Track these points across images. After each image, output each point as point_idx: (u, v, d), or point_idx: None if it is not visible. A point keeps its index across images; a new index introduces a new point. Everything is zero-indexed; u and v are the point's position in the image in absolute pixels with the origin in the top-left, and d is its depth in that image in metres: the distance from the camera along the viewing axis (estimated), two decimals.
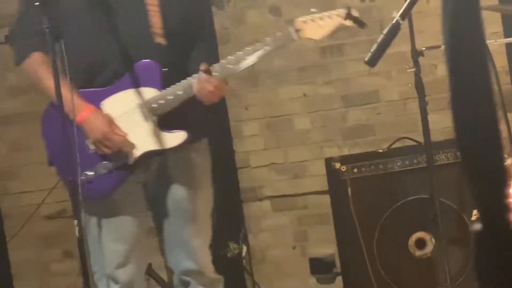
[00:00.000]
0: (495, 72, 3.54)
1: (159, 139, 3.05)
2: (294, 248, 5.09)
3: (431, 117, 3.86)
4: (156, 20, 3.07)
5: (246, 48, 3.03)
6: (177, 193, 3.17)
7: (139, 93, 3.04)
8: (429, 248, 4.13)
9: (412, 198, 4.13)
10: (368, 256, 4.15)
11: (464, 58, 1.38)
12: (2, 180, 5.30)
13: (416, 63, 3.85)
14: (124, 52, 3.03)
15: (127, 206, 3.13)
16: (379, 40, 2.04)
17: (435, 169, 3.88)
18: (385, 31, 2.03)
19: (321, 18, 2.99)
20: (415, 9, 2.36)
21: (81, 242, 2.81)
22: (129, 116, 3.05)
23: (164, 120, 3.05)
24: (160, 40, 3.07)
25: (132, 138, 3.05)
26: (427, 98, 3.85)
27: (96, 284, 3.09)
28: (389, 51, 2.39)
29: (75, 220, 2.80)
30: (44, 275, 5.34)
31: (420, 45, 3.88)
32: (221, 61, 3.03)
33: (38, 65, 3.09)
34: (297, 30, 3.02)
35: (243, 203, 5.12)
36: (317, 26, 3.00)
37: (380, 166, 4.19)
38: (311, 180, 5.00)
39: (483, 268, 1.40)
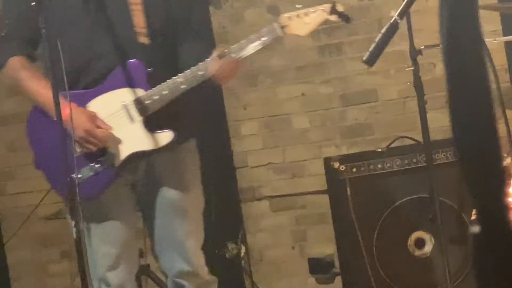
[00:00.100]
0: (494, 70, 3.52)
1: (146, 140, 3.03)
2: (293, 248, 5.08)
3: (430, 116, 3.85)
4: (139, 19, 3.05)
5: (232, 46, 3.00)
6: (166, 194, 3.15)
7: (125, 94, 3.02)
8: (429, 247, 4.12)
9: (411, 197, 4.12)
10: (367, 256, 4.14)
11: (462, 57, 1.38)
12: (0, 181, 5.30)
13: (414, 62, 3.84)
14: (108, 52, 3.02)
15: (116, 209, 3.11)
16: (377, 39, 2.02)
17: (435, 168, 3.86)
18: (383, 30, 2.01)
19: (306, 14, 2.98)
20: (413, 8, 2.35)
21: (79, 243, 2.79)
22: (115, 117, 3.03)
23: (151, 121, 3.03)
24: (144, 39, 3.06)
25: (118, 139, 3.03)
26: (426, 97, 3.84)
27: None
28: (388, 49, 2.38)
29: (73, 221, 2.78)
30: (41, 276, 5.33)
31: (418, 44, 3.86)
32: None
33: (17, 69, 3.08)
34: (282, 26, 3.00)
35: (242, 203, 5.11)
36: (302, 22, 2.98)
37: (379, 166, 4.18)
38: (309, 179, 4.98)
39: (482, 267, 1.40)
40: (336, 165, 4.21)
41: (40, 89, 3.04)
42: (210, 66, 2.99)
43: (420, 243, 4.14)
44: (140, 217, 3.26)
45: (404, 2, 2.00)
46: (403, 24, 2.14)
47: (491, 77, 1.46)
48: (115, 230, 3.11)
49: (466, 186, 1.39)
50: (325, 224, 4.75)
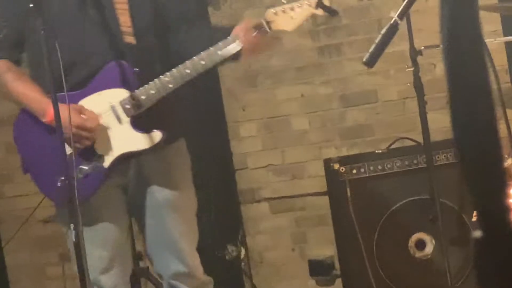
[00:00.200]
0: (494, 71, 3.51)
1: (134, 141, 3.02)
2: (293, 250, 5.07)
3: (430, 117, 3.84)
4: (125, 19, 3.04)
5: (218, 43, 2.98)
6: (157, 195, 3.13)
7: (111, 95, 3.01)
8: (429, 249, 4.12)
9: (411, 199, 4.12)
10: (367, 258, 4.13)
11: (462, 58, 1.37)
12: None
13: (414, 62, 3.83)
14: (94, 54, 3.00)
15: (108, 212, 3.10)
16: (377, 40, 2.00)
17: (435, 169, 3.87)
18: (383, 31, 1.99)
19: (292, 9, 2.95)
20: (413, 8, 2.33)
21: (78, 246, 2.77)
22: (102, 119, 3.01)
23: (139, 121, 3.01)
24: (130, 39, 3.04)
25: (107, 140, 3.01)
26: (426, 98, 3.83)
27: None
28: (387, 50, 2.36)
29: (71, 224, 2.76)
30: (40, 279, 5.32)
31: (418, 44, 3.85)
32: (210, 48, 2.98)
33: (2, 72, 3.07)
34: (268, 22, 2.98)
35: (241, 205, 5.10)
36: (289, 17, 2.96)
37: (379, 167, 4.17)
38: (309, 181, 4.97)
39: (483, 269, 1.39)
40: (336, 166, 4.20)
41: (27, 91, 3.03)
42: (242, 37, 2.96)
43: (420, 244, 4.14)
44: (134, 220, 3.24)
45: (404, 3, 1.98)
46: (402, 24, 2.12)
47: (492, 77, 1.45)
48: (106, 232, 3.09)
49: (467, 187, 1.38)
50: (325, 226, 4.74)
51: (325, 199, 4.43)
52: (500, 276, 1.35)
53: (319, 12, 2.95)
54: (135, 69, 3.01)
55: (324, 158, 4.49)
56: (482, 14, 1.39)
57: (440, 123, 4.20)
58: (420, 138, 3.98)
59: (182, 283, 3.16)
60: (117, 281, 3.12)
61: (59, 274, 5.19)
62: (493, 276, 1.36)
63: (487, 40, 3.12)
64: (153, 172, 3.12)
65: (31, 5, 2.75)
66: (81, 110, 2.97)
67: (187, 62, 2.96)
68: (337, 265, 4.60)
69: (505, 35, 4.39)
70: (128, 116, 3.00)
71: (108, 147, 3.01)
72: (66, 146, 2.96)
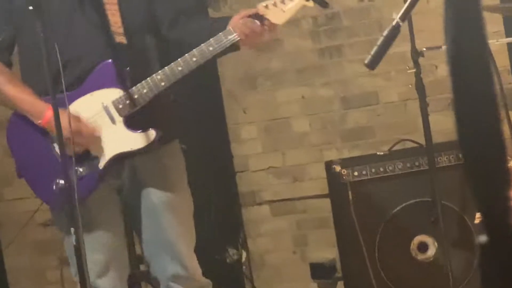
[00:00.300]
0: (496, 72, 3.50)
1: (128, 141, 3.00)
2: (294, 253, 5.05)
3: (431, 118, 3.84)
4: (115, 19, 3.03)
5: (210, 40, 2.96)
6: (152, 197, 3.11)
7: (104, 95, 3.00)
8: (432, 251, 4.10)
9: (413, 201, 4.10)
10: (369, 261, 4.11)
11: (466, 59, 1.36)
12: None
13: (416, 64, 3.82)
14: (85, 54, 2.99)
15: (103, 215, 3.08)
16: (378, 42, 1.98)
17: (437, 171, 3.86)
18: (385, 33, 1.97)
19: (282, 1, 2.93)
20: (414, 9, 2.30)
21: (78, 250, 2.76)
22: (96, 120, 3.00)
23: (133, 121, 2.99)
24: (121, 39, 3.02)
25: (100, 141, 3.00)
26: (427, 99, 3.82)
27: None
28: (388, 51, 2.33)
29: (71, 228, 2.74)
30: (40, 282, 5.30)
31: (420, 45, 3.84)
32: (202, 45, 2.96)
33: None
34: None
35: (242, 207, 5.09)
36: (279, 10, 2.94)
37: (381, 169, 4.16)
38: (310, 183, 4.96)
39: (487, 271, 1.39)
40: (338, 168, 4.18)
41: (20, 94, 3.01)
42: (238, 29, 2.95)
43: (423, 247, 4.13)
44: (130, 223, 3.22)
45: (406, 5, 1.96)
46: (404, 25, 2.10)
47: (496, 79, 1.45)
48: (102, 236, 3.07)
49: (470, 189, 1.38)
50: (326, 229, 4.73)
51: (327, 202, 4.41)
52: (504, 278, 1.35)
53: (310, 3, 2.93)
54: (127, 68, 2.99)
55: (325, 160, 4.48)
56: (484, 15, 1.38)
57: (442, 124, 4.19)
58: (421, 140, 3.98)
59: (181, 285, 3.14)
60: (114, 284, 3.10)
61: (59, 278, 5.17)
62: (496, 278, 1.36)
63: (489, 41, 3.10)
64: (148, 174, 3.10)
65: (30, 7, 2.73)
66: (79, 120, 2.96)
67: (179, 59, 2.95)
68: (338, 268, 4.58)
69: (507, 36, 4.38)
70: (121, 116, 2.99)
71: (102, 148, 3.00)
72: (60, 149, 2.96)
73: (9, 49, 3.11)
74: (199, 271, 3.19)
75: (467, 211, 4.01)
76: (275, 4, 2.93)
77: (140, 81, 2.97)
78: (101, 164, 3.00)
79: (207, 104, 5.00)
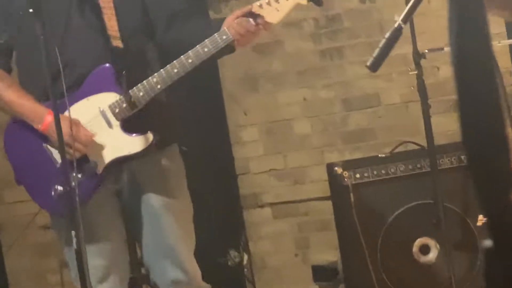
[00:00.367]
0: (499, 74, 3.48)
1: (125, 145, 3.00)
2: (296, 255, 5.05)
3: (433, 120, 3.83)
4: (112, 23, 3.02)
5: (205, 41, 2.95)
6: (151, 201, 3.09)
7: (100, 99, 2.99)
8: (434, 254, 4.10)
9: (415, 203, 4.09)
10: (371, 263, 4.10)
11: (471, 62, 1.36)
12: None
13: (418, 66, 3.81)
14: (81, 58, 2.98)
15: (102, 219, 3.07)
16: (380, 44, 1.96)
17: (439, 173, 3.85)
18: (387, 35, 1.96)
19: (276, 0, 2.92)
20: (416, 10, 2.29)
21: (79, 254, 2.75)
22: (93, 124, 2.99)
23: (129, 125, 2.99)
24: (117, 43, 3.02)
25: (98, 146, 2.99)
26: (429, 101, 3.81)
27: None
28: (390, 53, 2.32)
29: (73, 231, 2.73)
30: (40, 285, 5.30)
31: (421, 47, 3.83)
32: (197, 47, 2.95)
33: None
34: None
35: (243, 210, 5.08)
36: (274, 9, 2.93)
37: (383, 171, 4.15)
38: (312, 186, 4.96)
39: (491, 272, 1.39)
40: (339, 171, 4.17)
41: (20, 100, 3.01)
42: (232, 29, 2.93)
43: (425, 249, 4.12)
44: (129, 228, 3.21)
45: (408, 7, 1.94)
46: (405, 27, 2.08)
47: (500, 81, 1.45)
48: (102, 241, 3.06)
49: (474, 191, 1.39)
50: (328, 231, 4.72)
51: (328, 204, 4.41)
52: (509, 280, 1.35)
53: (304, 1, 2.92)
54: (123, 72, 2.98)
55: (326, 162, 4.47)
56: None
57: (444, 126, 4.18)
58: (423, 142, 3.97)
59: None
60: None
61: (60, 280, 5.17)
62: (501, 283, 1.36)
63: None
64: (146, 178, 3.09)
65: (30, 10, 2.72)
66: (78, 125, 2.95)
67: (174, 61, 2.95)
68: (340, 270, 4.57)
69: (509, 38, 4.38)
70: (118, 120, 2.98)
71: (100, 153, 2.99)
72: (58, 155, 2.95)
73: (9, 54, 3.10)
74: (199, 275, 3.17)
75: (469, 213, 4.00)
76: (269, 3, 2.93)
77: (136, 85, 2.97)
78: (99, 169, 2.99)
79: (208, 106, 4.99)
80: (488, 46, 1.36)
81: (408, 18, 2.01)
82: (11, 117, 3.09)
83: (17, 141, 3.06)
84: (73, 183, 2.79)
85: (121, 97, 2.97)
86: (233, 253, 4.88)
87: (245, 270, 4.96)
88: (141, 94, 2.96)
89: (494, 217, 1.36)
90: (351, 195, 4.14)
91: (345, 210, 4.17)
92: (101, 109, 2.98)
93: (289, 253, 5.06)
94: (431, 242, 4.09)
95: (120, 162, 3.02)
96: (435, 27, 4.12)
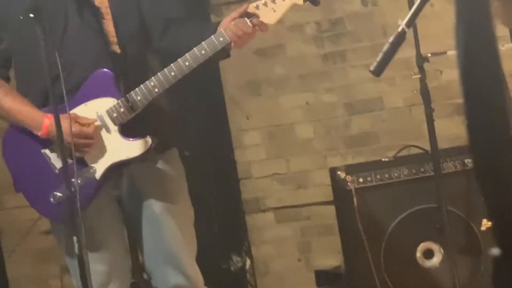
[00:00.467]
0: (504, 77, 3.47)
1: (124, 149, 2.99)
2: (299, 260, 5.03)
3: (437, 124, 3.82)
4: (109, 28, 3.02)
5: (202, 43, 2.93)
6: (152, 207, 3.08)
7: (98, 104, 2.98)
8: (438, 258, 4.08)
9: (419, 207, 4.08)
10: (375, 268, 4.09)
11: (477, 66, 1.34)
12: None
13: (421, 69, 3.80)
14: (79, 64, 2.97)
15: (103, 225, 3.06)
16: (384, 49, 1.95)
17: (442, 177, 3.83)
18: (390, 39, 1.94)
19: (273, 1, 2.91)
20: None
21: (81, 259, 2.74)
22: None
23: (127, 129, 2.98)
24: (115, 48, 3.01)
25: (96, 151, 2.98)
26: (432, 105, 3.79)
27: None
28: None
29: (74, 237, 2.73)
30: None
31: (424, 50, 3.82)
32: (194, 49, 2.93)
33: None
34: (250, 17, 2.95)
35: (246, 214, 5.07)
36: (270, 9, 2.92)
37: (386, 175, 4.14)
38: (314, 190, 4.94)
39: (497, 275, 1.38)
40: (342, 175, 4.16)
41: (18, 106, 3.00)
42: (228, 30, 2.92)
43: (428, 253, 4.11)
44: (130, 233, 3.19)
45: (412, 11, 1.93)
46: (408, 30, 2.07)
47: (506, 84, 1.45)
48: (102, 247, 3.05)
49: (480, 195, 1.38)
50: (331, 236, 4.71)
51: (331, 208, 4.39)
52: None
53: (300, 1, 2.91)
54: (120, 77, 2.98)
55: (329, 166, 4.47)
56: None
57: (447, 130, 4.17)
58: (427, 146, 3.96)
59: None
60: None
61: (61, 286, 5.15)
62: (508, 282, 1.35)
63: None
64: (146, 183, 3.08)
65: (31, 15, 2.71)
66: (76, 118, 2.93)
67: (172, 64, 2.94)
68: (343, 275, 4.56)
69: None
70: (115, 124, 2.97)
71: (99, 158, 2.98)
72: (58, 159, 2.93)
73: (7, 62, 3.09)
74: (201, 280, 3.16)
75: (473, 218, 3.99)
76: (265, 4, 2.92)
77: (132, 89, 2.96)
78: (98, 174, 2.98)
79: (210, 111, 4.98)
80: (495, 49, 1.35)
81: (411, 23, 2.00)
82: (9, 125, 3.08)
83: (15, 147, 3.05)
84: (75, 183, 2.79)
85: (119, 101, 2.96)
86: (235, 257, 4.87)
87: (248, 275, 4.95)
88: (138, 98, 2.95)
89: (500, 221, 1.35)
90: (354, 199, 4.12)
91: (348, 215, 4.16)
92: (99, 114, 2.97)
93: (292, 258, 5.04)
94: (434, 247, 4.08)
95: (119, 167, 3.01)
96: (438, 31, 4.10)
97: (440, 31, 4.07)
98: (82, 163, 2.96)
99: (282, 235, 5.04)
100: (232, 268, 4.84)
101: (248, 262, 4.93)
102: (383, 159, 4.28)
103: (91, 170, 2.98)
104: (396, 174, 4.13)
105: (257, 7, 2.93)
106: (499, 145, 1.34)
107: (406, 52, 3.80)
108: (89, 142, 2.94)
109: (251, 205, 5.07)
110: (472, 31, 1.30)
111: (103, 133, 2.98)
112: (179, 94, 3.15)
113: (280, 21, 4.90)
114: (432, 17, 4.25)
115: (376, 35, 4.79)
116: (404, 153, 4.40)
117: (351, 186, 4.15)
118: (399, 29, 1.93)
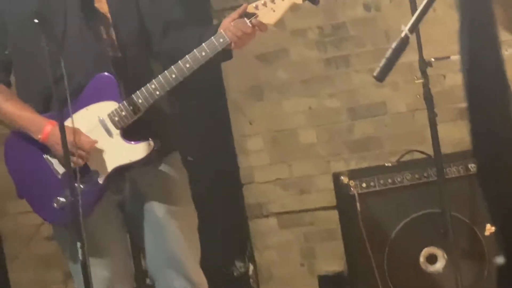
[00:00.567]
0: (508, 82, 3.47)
1: (126, 153, 2.98)
2: (302, 265, 5.02)
3: (440, 129, 3.81)
4: (109, 32, 3.02)
5: (202, 44, 2.92)
6: (154, 210, 3.07)
7: (99, 108, 2.98)
8: (441, 263, 4.08)
9: (422, 212, 4.08)
10: (378, 273, 4.08)
11: (481, 71, 1.33)
12: (1, 201, 5.22)
13: (424, 74, 3.79)
14: (79, 68, 2.96)
15: (106, 230, 3.05)
16: (387, 54, 1.95)
17: (446, 182, 3.82)
18: (393, 45, 1.94)
19: (272, 1, 2.90)
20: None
21: (84, 265, 2.74)
22: (93, 134, 2.98)
23: (129, 133, 2.97)
24: (115, 52, 3.02)
25: (99, 156, 2.97)
26: (435, 109, 3.79)
27: None
28: None
29: (78, 243, 2.73)
30: None
31: (427, 54, 3.82)
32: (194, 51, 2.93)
33: None
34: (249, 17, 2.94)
35: (249, 220, 5.06)
36: (270, 10, 2.91)
37: (390, 180, 4.13)
38: (317, 195, 4.93)
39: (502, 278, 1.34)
40: (346, 180, 4.15)
41: (19, 111, 3.00)
42: (228, 31, 2.90)
43: (432, 259, 4.10)
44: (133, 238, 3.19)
45: (415, 16, 1.92)
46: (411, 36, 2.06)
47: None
48: (105, 253, 3.04)
49: (484, 200, 1.38)
50: (334, 241, 4.70)
51: (334, 214, 4.38)
52: None
53: (299, 1, 2.90)
54: (121, 81, 2.97)
55: (332, 171, 4.46)
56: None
57: (451, 135, 4.16)
58: (430, 151, 3.95)
59: None
60: None
61: None
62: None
63: None
64: (149, 187, 3.07)
65: (36, 21, 2.71)
66: (78, 132, 2.93)
67: (172, 67, 2.93)
68: (347, 280, 4.55)
69: None
70: (117, 128, 2.97)
71: (101, 162, 2.98)
72: (60, 165, 2.93)
73: (8, 68, 3.09)
74: (205, 284, 3.15)
75: (477, 223, 3.98)
76: (265, 4, 2.91)
77: (133, 93, 2.95)
78: (101, 179, 2.97)
79: (213, 116, 4.98)
80: (498, 54, 1.35)
81: (414, 28, 1.99)
82: (11, 131, 3.08)
83: (17, 153, 3.05)
84: (77, 189, 2.78)
85: (120, 105, 2.95)
86: (238, 263, 4.85)
87: (251, 280, 4.93)
88: (140, 101, 2.94)
89: (504, 226, 1.34)
90: (358, 204, 4.12)
91: (351, 220, 4.15)
92: (101, 118, 2.97)
93: (295, 263, 5.03)
94: (438, 252, 4.07)
95: (122, 171, 3.01)
96: (441, 35, 4.10)
97: (443, 35, 4.06)
98: (85, 168, 2.96)
99: (285, 240, 5.03)
100: (235, 274, 4.83)
101: (251, 267, 4.92)
102: (386, 164, 4.27)
103: (94, 175, 2.97)
104: (399, 179, 4.12)
105: (256, 7, 2.92)
106: (502, 150, 1.33)
107: (409, 56, 3.79)
108: (84, 154, 2.92)
109: (254, 210, 5.06)
110: (476, 36, 1.30)
111: (105, 137, 2.97)
112: (182, 100, 3.15)
113: (282, 26, 4.95)
114: (435, 22, 4.25)
115: (379, 40, 4.78)
116: (407, 158, 4.39)
117: (354, 191, 4.14)
118: (402, 35, 1.93)
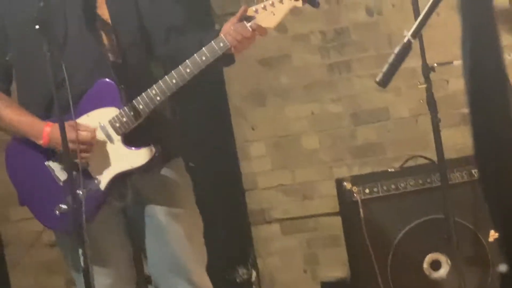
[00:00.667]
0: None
1: (127, 159, 2.97)
2: (305, 271, 5.00)
3: (443, 134, 3.81)
4: (109, 37, 3.01)
5: (203, 49, 2.91)
6: (157, 214, 3.05)
7: (100, 115, 2.97)
8: (445, 269, 4.07)
9: (426, 218, 4.07)
10: (382, 280, 4.07)
11: (484, 76, 1.32)
12: (2, 207, 5.21)
13: (427, 79, 3.78)
14: (79, 74, 2.95)
15: (108, 237, 3.04)
16: (390, 59, 1.94)
17: (450, 188, 3.81)
18: (396, 50, 1.93)
19: (272, 4, 2.89)
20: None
21: (86, 272, 2.72)
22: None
23: (131, 139, 2.96)
24: (115, 57, 3.01)
25: (100, 162, 2.96)
26: (439, 115, 3.77)
27: None
28: None
29: (80, 250, 2.71)
30: None
31: (430, 59, 3.81)
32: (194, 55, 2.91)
33: None
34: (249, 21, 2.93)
35: (252, 226, 5.05)
36: (270, 13, 2.89)
37: (393, 186, 4.12)
38: (320, 201, 4.92)
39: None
40: (348, 186, 4.14)
41: (18, 117, 2.99)
42: (229, 36, 2.89)
43: (436, 265, 4.09)
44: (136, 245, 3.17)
45: (417, 22, 1.91)
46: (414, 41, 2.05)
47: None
48: (107, 260, 3.03)
49: (487, 206, 1.37)
50: (337, 247, 4.69)
51: (337, 220, 4.37)
52: None
53: (299, 3, 2.88)
54: (121, 86, 2.96)
55: (335, 177, 4.45)
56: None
57: (454, 140, 4.15)
58: (433, 156, 3.94)
59: None
60: None
61: None
62: None
63: None
64: (151, 192, 3.06)
65: (37, 27, 2.70)
66: (75, 126, 2.91)
67: (172, 72, 2.92)
68: (350, 287, 4.54)
69: None
70: (118, 134, 2.96)
71: (102, 169, 2.97)
72: (62, 172, 2.92)
73: (9, 76, 3.09)
74: None
75: (480, 229, 3.98)
76: (264, 8, 2.89)
77: (133, 99, 2.94)
78: (103, 185, 2.96)
79: (215, 122, 4.97)
80: (501, 59, 1.33)
81: (417, 33, 1.98)
82: (12, 138, 3.07)
83: (18, 160, 3.04)
84: (80, 195, 2.76)
85: (121, 111, 2.94)
86: (241, 269, 4.84)
87: (254, 287, 4.92)
88: (141, 107, 2.93)
89: (506, 232, 1.32)
90: (361, 210, 4.11)
91: (354, 226, 4.14)
92: (102, 125, 2.96)
93: (298, 269, 5.01)
94: (442, 258, 4.06)
95: (124, 177, 2.99)
96: (443, 40, 4.08)
97: (446, 40, 4.05)
98: (87, 175, 2.94)
99: (288, 247, 5.01)
100: (238, 280, 4.81)
101: (254, 274, 4.90)
102: (389, 170, 4.26)
103: (96, 182, 2.96)
104: (402, 185, 4.11)
105: (256, 11, 2.91)
106: (504, 155, 1.32)
107: (412, 61, 3.76)
108: (86, 148, 2.91)
109: (257, 216, 5.04)
110: (478, 40, 1.29)
111: (107, 143, 2.96)
112: (184, 105, 3.13)
113: (285, 31, 4.94)
114: (437, 26, 4.23)
115: (382, 45, 4.77)
116: (410, 163, 4.38)
117: (357, 197, 4.13)
118: (405, 40, 1.91)
